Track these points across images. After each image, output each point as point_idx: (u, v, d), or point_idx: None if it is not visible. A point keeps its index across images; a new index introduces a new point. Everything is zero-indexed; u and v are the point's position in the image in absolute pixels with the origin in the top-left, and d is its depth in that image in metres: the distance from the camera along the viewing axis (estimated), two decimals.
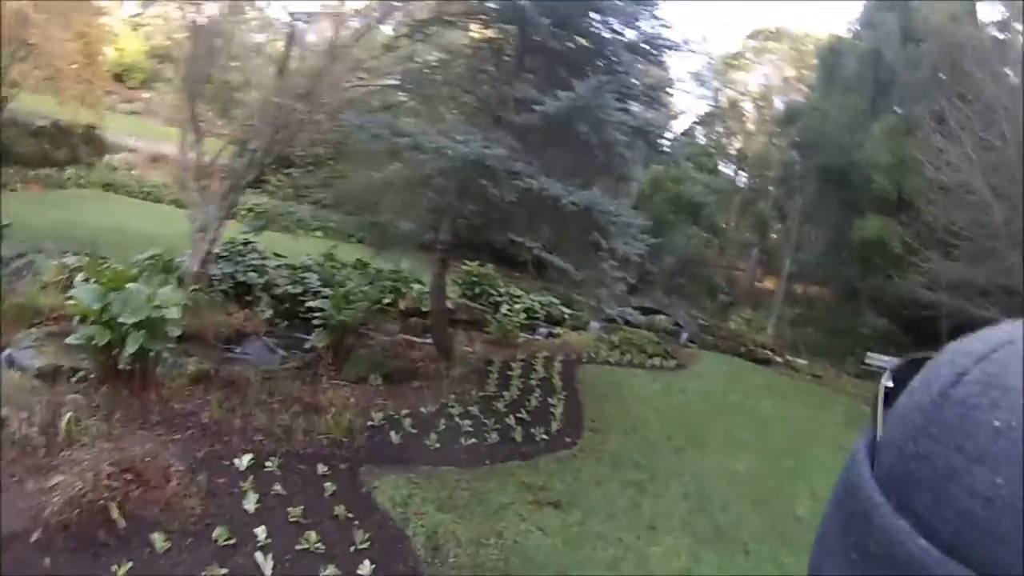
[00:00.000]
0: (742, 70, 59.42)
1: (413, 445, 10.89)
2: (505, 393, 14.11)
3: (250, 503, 7.89)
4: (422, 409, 12.33)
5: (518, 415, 12.94)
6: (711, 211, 40.41)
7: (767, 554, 9.60)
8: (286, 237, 24.57)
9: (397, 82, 16.10)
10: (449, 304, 21.72)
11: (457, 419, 12.12)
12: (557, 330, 23.82)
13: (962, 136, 24.38)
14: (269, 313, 16.35)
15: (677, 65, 75.78)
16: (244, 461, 8.85)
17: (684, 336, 28.33)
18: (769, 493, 11.63)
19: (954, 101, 24.76)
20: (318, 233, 30.14)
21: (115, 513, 6.93)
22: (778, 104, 52.09)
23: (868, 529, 0.46)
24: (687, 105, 71.90)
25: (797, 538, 10.17)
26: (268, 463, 8.96)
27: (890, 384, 0.55)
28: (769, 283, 42.38)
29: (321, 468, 9.28)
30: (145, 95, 47.79)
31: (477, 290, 23.90)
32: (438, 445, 10.97)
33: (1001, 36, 29.96)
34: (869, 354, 27.42)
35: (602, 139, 12.85)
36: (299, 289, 17.58)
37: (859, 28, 38.51)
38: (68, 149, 32.79)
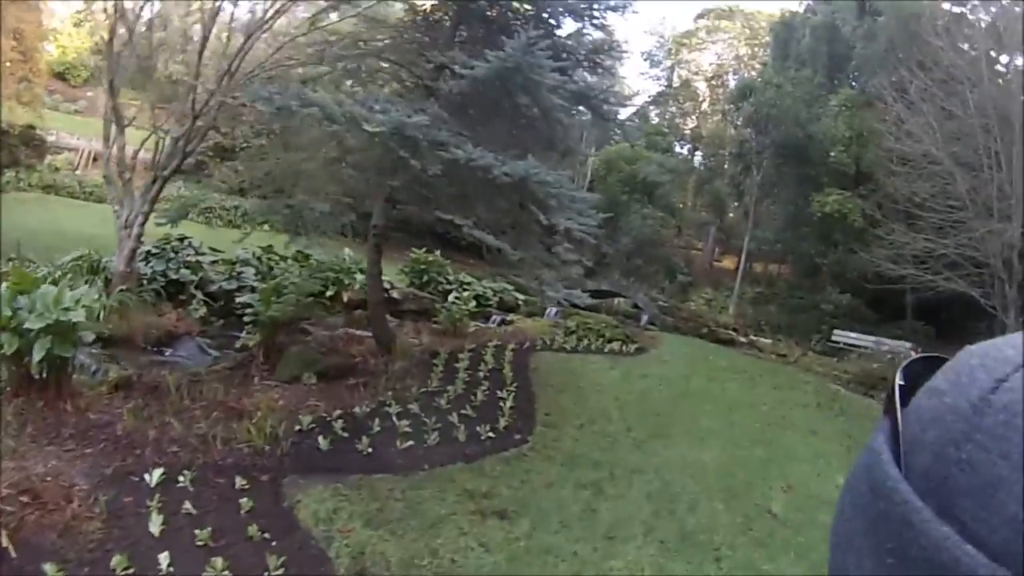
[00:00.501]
0: (695, 49, 58.81)
1: (344, 451, 9.78)
2: (449, 388, 12.85)
3: (156, 525, 6.94)
4: (356, 409, 11.19)
5: (462, 412, 11.72)
6: (666, 191, 39.44)
7: (742, 559, 8.42)
8: (235, 232, 23.28)
9: (318, 56, 14.63)
10: (395, 294, 20.76)
11: (394, 419, 10.96)
12: (511, 317, 22.69)
13: (923, 106, 23.59)
14: (203, 311, 15.53)
15: (629, 45, 74.85)
16: (155, 476, 7.88)
17: (644, 319, 27.30)
18: (740, 487, 10.44)
19: (914, 70, 23.92)
20: (266, 227, 28.79)
21: (5, 542, 6.19)
22: (732, 83, 51.38)
23: (908, 534, 0.45)
24: (640, 86, 71.19)
25: (774, 538, 9.04)
26: (181, 478, 7.98)
27: (902, 382, 0.54)
28: (728, 263, 41.56)
29: (239, 481, 8.24)
30: (89, 93, 45.78)
31: (425, 278, 22.92)
32: (371, 450, 9.84)
33: (957, 9, 29.23)
34: (836, 331, 26.54)
35: (539, 105, 11.62)
36: (234, 285, 16.62)
37: (813, 2, 37.66)
38: (7, 151, 30.92)
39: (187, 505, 7.41)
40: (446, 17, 14.02)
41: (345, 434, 10.16)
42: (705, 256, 44.18)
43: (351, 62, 14.40)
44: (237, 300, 14.38)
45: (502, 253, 12.65)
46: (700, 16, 57.42)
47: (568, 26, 13.69)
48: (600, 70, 14.63)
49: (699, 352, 20.80)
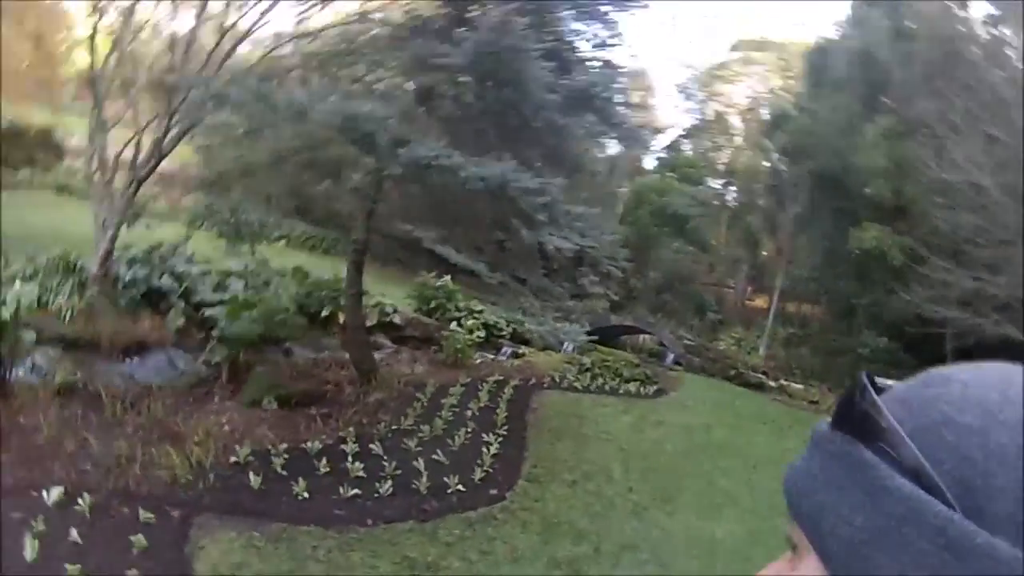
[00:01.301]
0: (727, 82, 57.03)
1: (276, 492, 8.49)
2: (425, 427, 11.21)
3: (31, 551, 6.21)
4: (307, 444, 9.88)
5: (433, 457, 10.13)
6: (698, 225, 37.53)
7: None
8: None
9: (306, 58, 13.22)
10: (397, 319, 19.28)
11: (348, 460, 9.55)
12: (523, 350, 20.94)
13: (967, 133, 21.64)
14: (180, 322, 14.31)
15: (660, 78, 73.69)
16: (53, 495, 7.12)
17: (669, 358, 25.48)
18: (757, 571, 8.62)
19: (957, 94, 22.02)
20: (281, 243, 27.96)
21: None
22: (765, 115, 49.55)
23: None
24: (674, 119, 69.62)
25: None
26: (80, 500, 7.08)
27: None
28: (761, 302, 39.34)
29: (144, 514, 7.23)
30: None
31: (433, 304, 21.23)
32: (308, 495, 8.50)
33: (995, 31, 27.30)
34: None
35: (528, 100, 9.95)
36: (218, 297, 15.20)
37: (846, 28, 35.78)
38: (23, 151, 30.49)
39: (74, 533, 6.59)
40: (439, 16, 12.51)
41: (284, 472, 8.93)
42: (737, 294, 42.08)
43: (337, 61, 12.91)
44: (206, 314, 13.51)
45: (480, 273, 10.96)
46: (734, 48, 55.67)
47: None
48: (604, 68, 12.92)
49: (724, 397, 18.93)
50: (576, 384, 17.12)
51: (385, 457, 9.93)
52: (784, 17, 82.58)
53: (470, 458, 10.42)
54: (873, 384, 0.56)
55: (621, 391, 17.43)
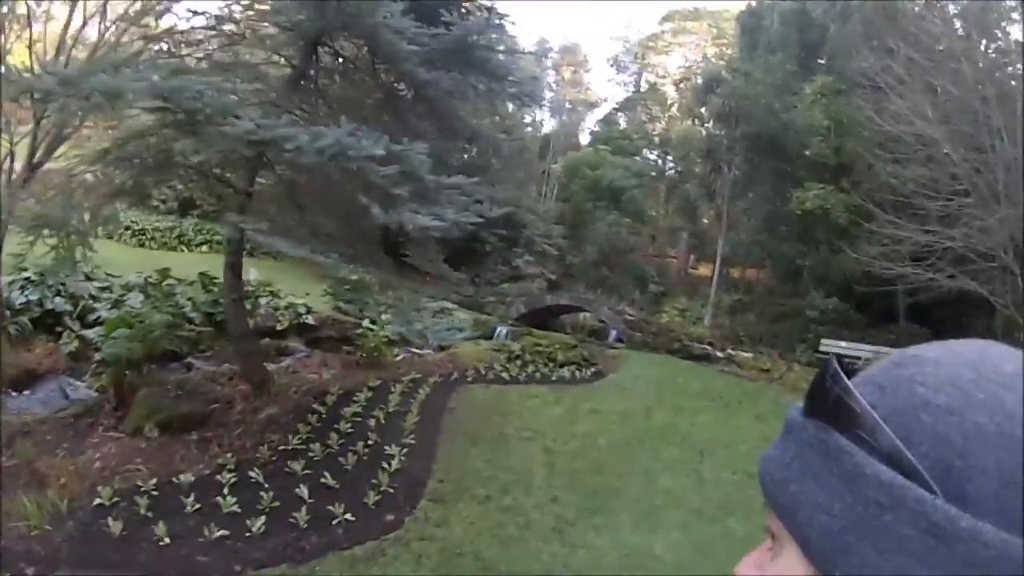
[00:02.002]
0: (661, 53, 55.75)
1: (136, 539, 6.93)
2: (316, 445, 9.32)
3: None
4: (180, 477, 8.19)
5: (322, 480, 8.30)
6: (634, 196, 35.90)
7: None
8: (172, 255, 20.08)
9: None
10: (311, 319, 17.49)
11: (224, 492, 7.86)
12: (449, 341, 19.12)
13: (910, 84, 20.27)
14: (74, 346, 12.83)
15: (592, 53, 72.19)
16: None
17: (612, 335, 23.77)
18: None
19: (899, 46, 20.59)
20: (204, 248, 26.34)
21: None
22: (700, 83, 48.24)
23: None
24: (607, 92, 68.30)
25: None
26: None
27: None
28: (705, 270, 37.94)
29: None
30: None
31: (350, 299, 19.09)
32: (168, 540, 6.86)
33: None
34: (824, 340, 22.96)
35: (379, 55, 8.09)
36: (115, 315, 13.36)
37: None
38: None
39: None
40: None
41: (149, 514, 7.32)
42: (679, 264, 40.66)
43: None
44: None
45: (326, 263, 9.11)
46: (665, 18, 54.26)
47: None
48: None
49: (668, 373, 17.28)
50: (504, 374, 15.39)
51: (266, 485, 8.13)
52: None
53: (366, 478, 8.60)
54: (843, 367, 0.54)
55: (554, 378, 15.73)
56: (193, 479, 8.18)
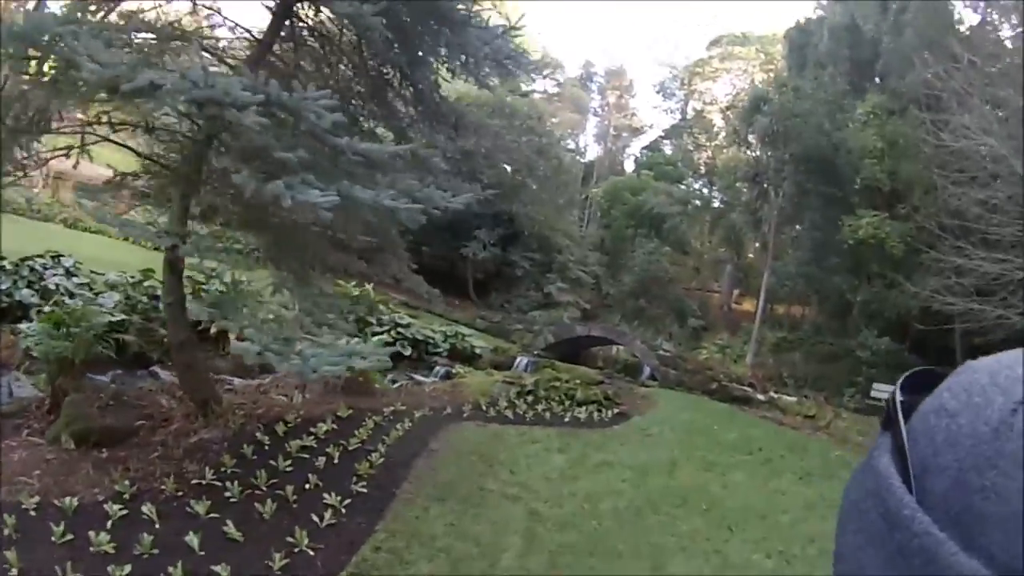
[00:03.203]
0: (708, 79, 53.51)
1: None
2: (235, 484, 7.33)
3: None
4: (66, 500, 6.88)
5: (224, 528, 6.54)
6: (677, 224, 33.58)
7: None
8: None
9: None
10: None
11: (106, 526, 6.58)
12: (458, 369, 17.08)
13: (973, 97, 17.98)
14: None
15: (639, 79, 70.36)
16: None
17: (646, 372, 21.54)
18: None
19: (958, 57, 18.34)
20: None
21: None
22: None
23: (932, 570, 0.42)
24: (653, 119, 66.40)
25: None
26: None
27: (902, 398, 0.51)
28: (749, 305, 35.21)
29: None
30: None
31: (359, 315, 17.30)
32: (14, 572, 5.92)
33: None
34: (876, 385, 20.41)
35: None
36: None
37: (829, 1, 32.12)
38: None
39: None
40: None
41: (15, 535, 6.28)
42: (722, 298, 38.06)
43: None
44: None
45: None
46: (713, 43, 51.97)
47: None
48: None
49: (701, 418, 15.07)
50: (508, 412, 13.31)
51: (156, 525, 6.33)
52: (765, 10, 78.58)
53: (280, 533, 6.62)
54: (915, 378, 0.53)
55: (567, 419, 13.62)
56: (77, 504, 6.81)
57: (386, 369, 16.12)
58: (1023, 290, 16.45)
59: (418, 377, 16.62)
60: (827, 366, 23.60)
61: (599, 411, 14.72)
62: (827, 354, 24.42)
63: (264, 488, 7.54)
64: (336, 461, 8.68)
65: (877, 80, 27.58)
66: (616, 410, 15.08)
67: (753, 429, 14.82)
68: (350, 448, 9.23)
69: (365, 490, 7.95)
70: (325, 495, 7.55)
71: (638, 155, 51.34)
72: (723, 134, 49.54)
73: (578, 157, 49.18)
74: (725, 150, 45.80)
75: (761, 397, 19.52)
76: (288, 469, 8.11)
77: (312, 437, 9.28)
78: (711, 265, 40.57)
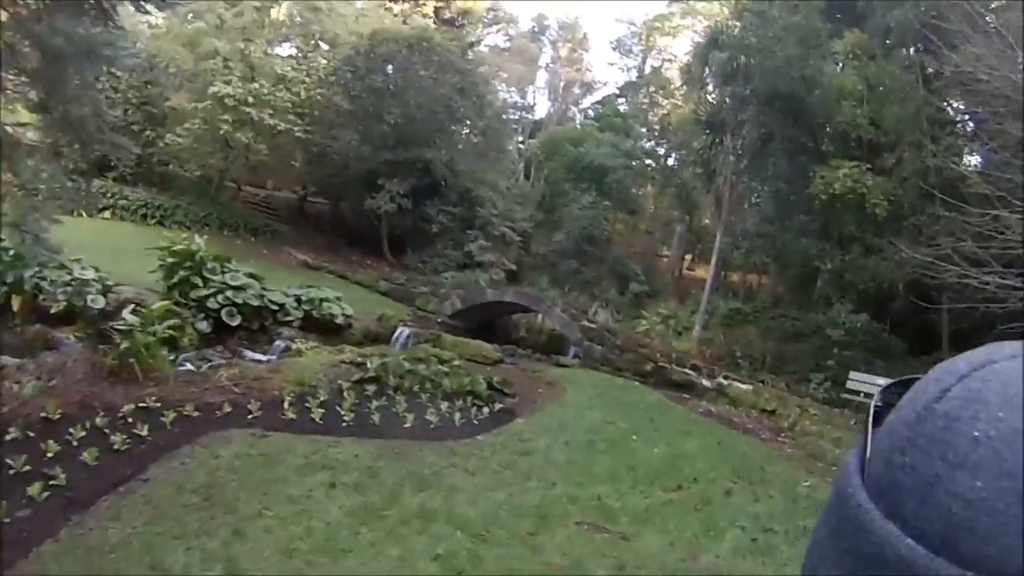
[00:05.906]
0: (667, 34, 48.63)
1: None
2: None
3: None
4: None
5: None
6: (620, 178, 28.53)
7: None
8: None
9: None
10: (98, 303, 11.14)
11: None
12: (299, 345, 12.14)
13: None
14: None
15: (596, 36, 65.05)
16: None
17: (572, 350, 16.73)
18: None
19: None
20: (106, 214, 22.98)
21: None
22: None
23: (861, 533, 0.47)
24: (607, 76, 61.98)
25: None
26: None
27: (879, 404, 0.54)
28: (702, 272, 30.26)
29: None
30: None
31: (182, 275, 12.72)
32: None
33: None
34: (852, 374, 15.64)
35: None
36: None
37: None
38: None
39: None
40: None
41: None
42: (672, 263, 33.25)
43: None
44: None
45: None
46: None
47: None
48: None
49: (618, 420, 10.45)
50: (319, 412, 8.44)
51: None
52: None
53: None
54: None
55: (410, 423, 8.74)
56: None
57: (195, 346, 11.71)
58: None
59: (254, 355, 11.94)
60: (789, 345, 18.79)
61: (474, 407, 9.93)
62: (789, 331, 19.60)
63: None
64: None
65: (858, 22, 22.56)
66: (500, 405, 10.36)
67: (690, 439, 10.00)
68: (12, 472, 4.40)
69: None
70: None
71: (590, 111, 46.42)
72: (682, 92, 44.76)
73: (526, 114, 44.34)
74: (682, 106, 40.90)
75: (707, 383, 14.76)
76: None
77: None
78: (663, 228, 35.77)
